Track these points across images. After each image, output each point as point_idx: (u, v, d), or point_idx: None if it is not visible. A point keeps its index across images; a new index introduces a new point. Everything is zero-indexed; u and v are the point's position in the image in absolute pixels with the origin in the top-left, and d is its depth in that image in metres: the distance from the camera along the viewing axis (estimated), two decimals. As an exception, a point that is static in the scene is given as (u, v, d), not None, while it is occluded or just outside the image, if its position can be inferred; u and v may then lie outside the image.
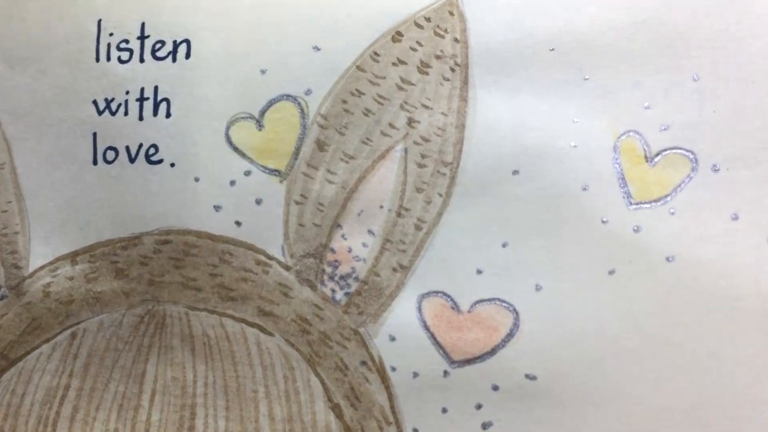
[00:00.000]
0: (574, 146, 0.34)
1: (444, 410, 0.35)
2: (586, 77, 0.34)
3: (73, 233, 0.37)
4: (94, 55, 0.36)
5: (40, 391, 0.37)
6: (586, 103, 0.34)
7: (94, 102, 0.36)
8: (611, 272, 0.34)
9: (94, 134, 0.36)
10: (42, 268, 0.37)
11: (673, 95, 0.33)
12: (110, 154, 0.36)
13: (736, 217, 0.34)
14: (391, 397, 0.35)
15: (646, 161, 0.34)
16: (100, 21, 0.36)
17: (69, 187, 0.37)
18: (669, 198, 0.34)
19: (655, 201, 0.34)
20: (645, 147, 0.34)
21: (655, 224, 0.34)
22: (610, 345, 0.34)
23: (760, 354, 0.33)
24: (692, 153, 0.34)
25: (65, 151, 0.36)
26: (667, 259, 0.34)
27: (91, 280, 0.37)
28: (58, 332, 0.37)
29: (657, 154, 0.34)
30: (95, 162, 0.36)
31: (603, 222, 0.34)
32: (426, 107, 0.34)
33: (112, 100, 0.36)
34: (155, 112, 0.36)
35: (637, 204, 0.34)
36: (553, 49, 0.34)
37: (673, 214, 0.34)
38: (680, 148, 0.34)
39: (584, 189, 0.34)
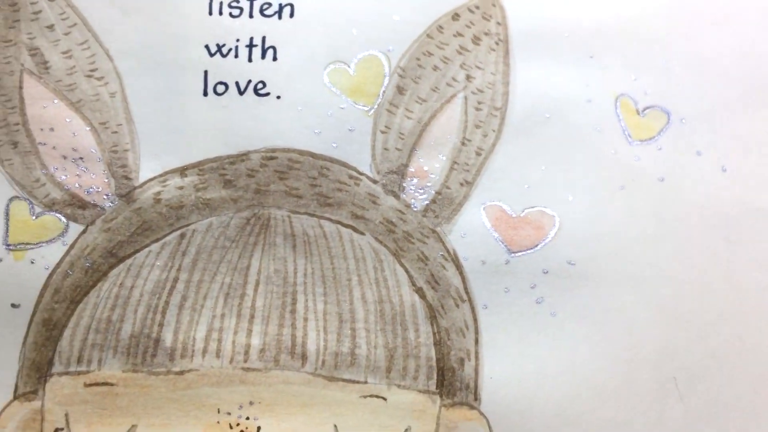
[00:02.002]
0: (588, 101, 0.47)
1: (506, 290, 0.43)
2: (591, 56, 0.47)
3: (181, 152, 0.43)
4: (207, 9, 0.45)
5: (149, 284, 0.41)
6: (592, 72, 0.47)
7: (206, 46, 0.44)
8: (621, 187, 0.46)
9: (205, 72, 0.44)
10: (152, 179, 0.43)
11: (651, 71, 0.48)
12: (220, 88, 0.44)
13: (699, 153, 0.47)
14: (464, 279, 0.43)
15: (638, 114, 0.47)
16: None
17: (179, 114, 0.43)
18: (655, 139, 0.47)
19: (647, 140, 0.47)
20: (635, 105, 0.47)
21: (648, 155, 0.46)
22: (625, 236, 0.45)
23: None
24: (667, 110, 0.47)
25: (176, 85, 0.43)
26: (659, 179, 0.46)
27: (200, 189, 0.43)
28: (167, 233, 0.42)
29: (644, 109, 0.47)
30: (205, 94, 0.44)
31: (613, 153, 0.46)
32: (479, 68, 0.46)
33: (223, 45, 0.44)
34: (263, 56, 0.45)
35: (635, 142, 0.47)
36: (568, 35, 0.47)
37: (660, 149, 0.47)
38: (658, 107, 0.48)
39: (597, 131, 0.46)
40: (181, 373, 0.40)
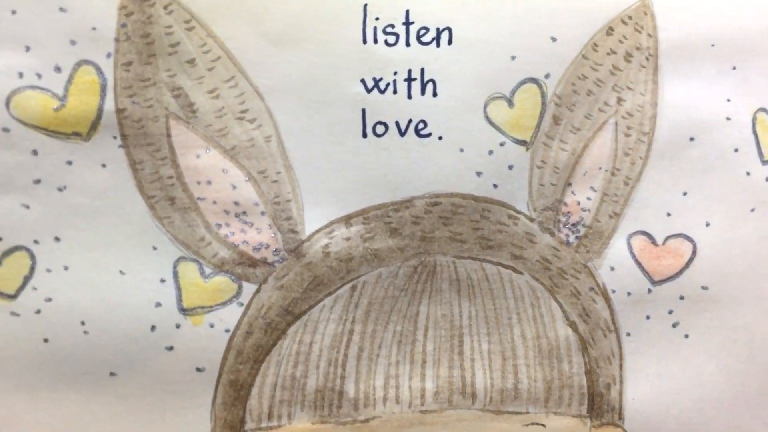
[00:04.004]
0: (728, 119, 0.47)
1: (647, 317, 0.47)
2: (734, 67, 0.47)
3: (344, 199, 0.42)
4: (361, 37, 0.42)
5: (327, 338, 0.43)
6: (733, 86, 0.47)
7: (362, 80, 0.42)
8: (752, 210, 0.48)
9: (363, 110, 0.42)
10: (318, 231, 0.43)
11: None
12: (380, 128, 0.42)
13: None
14: (612, 311, 0.46)
15: (772, 130, 0.48)
16: (365, 6, 0.41)
17: (338, 157, 0.42)
18: (787, 156, 0.48)
19: (779, 158, 0.48)
20: (769, 120, 0.48)
21: (779, 174, 0.48)
22: (755, 258, 0.48)
23: None
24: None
25: (333, 124, 0.42)
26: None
27: (367, 239, 0.43)
28: (338, 286, 0.43)
29: (778, 125, 0.48)
30: (365, 135, 0.42)
31: (747, 174, 0.47)
32: (629, 89, 0.45)
33: (380, 79, 0.42)
34: (422, 92, 0.43)
35: (766, 161, 0.48)
36: (713, 45, 0.46)
37: (789, 167, 0.48)
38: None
39: (735, 150, 0.47)
40: (366, 420, 0.43)
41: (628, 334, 0.46)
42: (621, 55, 0.44)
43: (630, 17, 0.44)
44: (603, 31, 0.43)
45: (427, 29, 0.41)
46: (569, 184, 0.44)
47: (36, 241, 0.39)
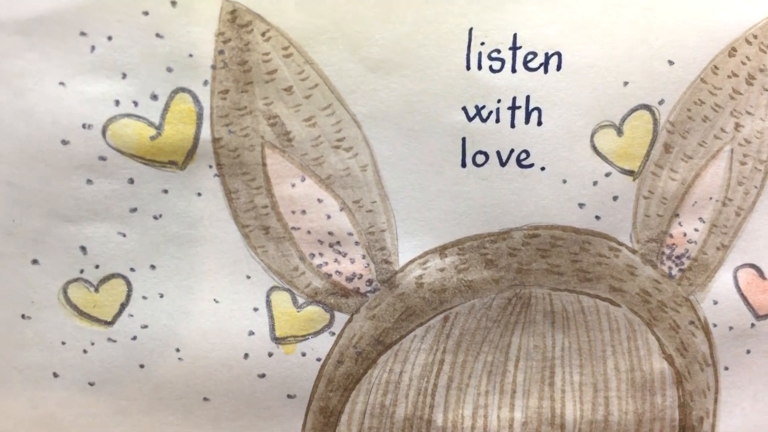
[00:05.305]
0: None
1: (748, 351, 0.45)
2: None
3: (439, 229, 0.41)
4: (465, 63, 0.39)
5: (417, 368, 0.42)
6: None
7: (464, 108, 0.40)
8: None
9: (463, 139, 0.40)
10: (412, 261, 0.41)
11: None
12: (480, 158, 0.41)
13: None
14: (711, 346, 0.44)
15: None
16: (471, 30, 0.39)
17: (435, 186, 0.41)
18: None
19: None
20: None
21: None
22: None
23: None
24: None
25: (431, 153, 0.40)
26: None
27: (461, 271, 0.42)
28: (431, 317, 0.42)
29: None
30: (464, 165, 0.41)
31: None
32: (749, 113, 0.42)
33: (483, 107, 0.40)
34: (527, 121, 0.40)
35: None
36: None
37: None
38: None
39: None
40: (454, 449, 0.43)
41: (726, 368, 0.44)
42: (742, 77, 0.41)
43: (755, 36, 0.41)
44: (725, 52, 0.40)
45: (535, 54, 0.39)
46: (676, 215, 0.42)
47: (132, 269, 0.40)
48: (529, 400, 0.43)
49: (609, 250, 0.42)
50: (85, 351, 0.40)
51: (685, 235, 0.43)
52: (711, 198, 0.42)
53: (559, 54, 0.39)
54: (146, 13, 0.37)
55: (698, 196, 0.42)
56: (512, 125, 0.40)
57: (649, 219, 0.42)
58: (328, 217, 0.40)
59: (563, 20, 0.39)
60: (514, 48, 0.39)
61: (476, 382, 0.42)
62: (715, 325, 0.44)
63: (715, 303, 0.44)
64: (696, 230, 0.43)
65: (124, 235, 0.39)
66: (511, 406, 0.43)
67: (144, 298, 0.40)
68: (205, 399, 0.41)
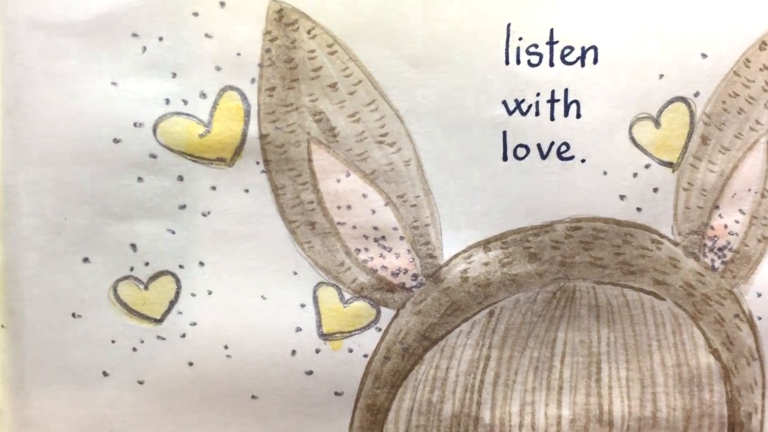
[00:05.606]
0: None
1: (793, 344, 0.45)
2: None
3: (482, 223, 0.42)
4: (503, 58, 0.40)
5: (463, 364, 0.42)
6: None
7: (504, 102, 0.41)
8: None
9: (504, 132, 0.41)
10: (456, 256, 0.42)
11: None
12: (521, 151, 0.41)
13: None
14: (757, 339, 0.44)
15: None
16: (509, 25, 0.40)
17: (477, 180, 0.41)
18: None
19: None
20: None
21: None
22: None
23: None
24: None
25: (472, 147, 0.41)
26: None
27: (505, 265, 0.42)
28: (476, 312, 0.42)
29: None
30: (505, 158, 0.41)
31: None
32: (782, 105, 0.43)
33: (522, 101, 0.41)
34: (566, 113, 0.41)
35: None
36: None
37: None
38: None
39: None
40: (502, 447, 0.43)
41: (773, 361, 0.44)
42: (775, 70, 0.42)
43: None
44: (756, 45, 0.41)
45: (571, 48, 0.40)
46: (716, 207, 0.42)
47: (181, 266, 0.40)
48: (576, 396, 0.43)
49: (651, 242, 0.42)
50: (134, 349, 0.40)
51: (726, 227, 0.43)
52: (750, 190, 0.43)
53: (595, 48, 0.40)
54: (196, 14, 0.38)
55: (737, 188, 0.43)
56: (552, 118, 0.40)
57: (690, 211, 0.42)
58: (373, 212, 0.40)
59: (598, 15, 0.40)
60: (551, 42, 0.40)
61: (523, 378, 0.42)
62: (760, 318, 0.44)
63: (759, 295, 0.44)
64: (737, 222, 0.43)
65: (174, 233, 0.40)
66: (558, 402, 0.43)
67: (193, 295, 0.40)
68: (253, 397, 0.41)
